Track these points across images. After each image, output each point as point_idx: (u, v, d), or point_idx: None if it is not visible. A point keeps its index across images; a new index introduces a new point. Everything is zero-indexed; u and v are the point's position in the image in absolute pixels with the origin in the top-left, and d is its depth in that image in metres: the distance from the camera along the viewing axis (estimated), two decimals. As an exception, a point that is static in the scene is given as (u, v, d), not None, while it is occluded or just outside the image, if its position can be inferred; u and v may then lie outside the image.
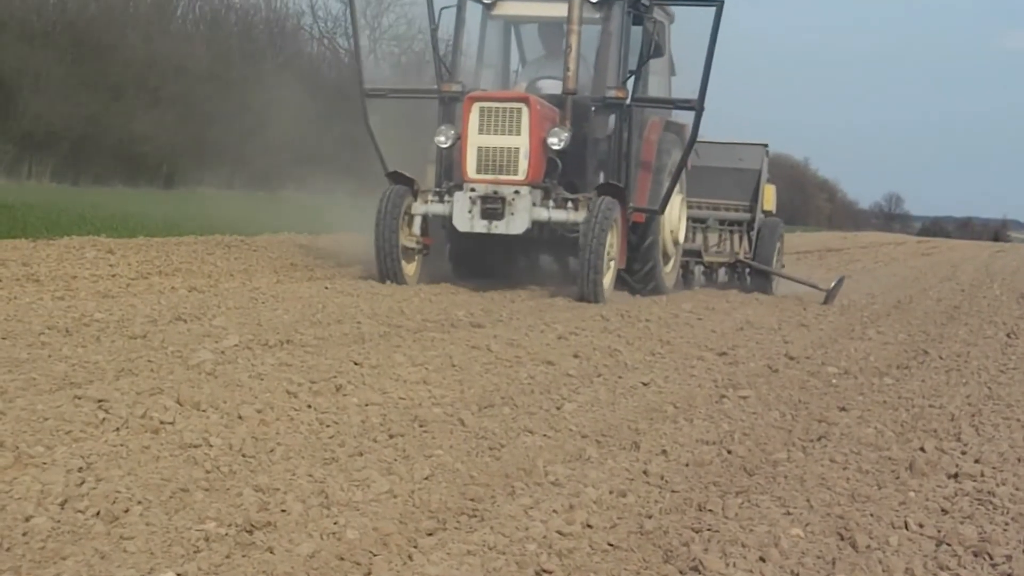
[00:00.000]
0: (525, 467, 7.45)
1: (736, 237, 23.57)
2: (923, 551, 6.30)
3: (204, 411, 7.86)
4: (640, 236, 19.50)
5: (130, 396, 7.95)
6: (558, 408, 9.31)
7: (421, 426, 8.24)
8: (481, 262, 20.02)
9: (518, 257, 20.68)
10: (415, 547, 5.81)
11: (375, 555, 5.63)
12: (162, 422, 7.41)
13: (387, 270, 18.01)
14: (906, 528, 6.63)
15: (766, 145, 23.52)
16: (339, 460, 7.19)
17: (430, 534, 6.05)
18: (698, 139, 21.03)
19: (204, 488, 6.34)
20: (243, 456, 7.00)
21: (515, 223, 17.81)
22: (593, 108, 19.34)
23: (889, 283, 28.51)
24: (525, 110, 17.97)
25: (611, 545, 6.10)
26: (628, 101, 19.23)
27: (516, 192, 17.83)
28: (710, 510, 6.77)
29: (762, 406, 10.13)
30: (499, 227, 17.81)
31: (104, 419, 7.30)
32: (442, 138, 18.63)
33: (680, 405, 9.90)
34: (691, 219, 22.40)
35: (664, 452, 8.18)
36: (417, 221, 18.50)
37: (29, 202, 25.65)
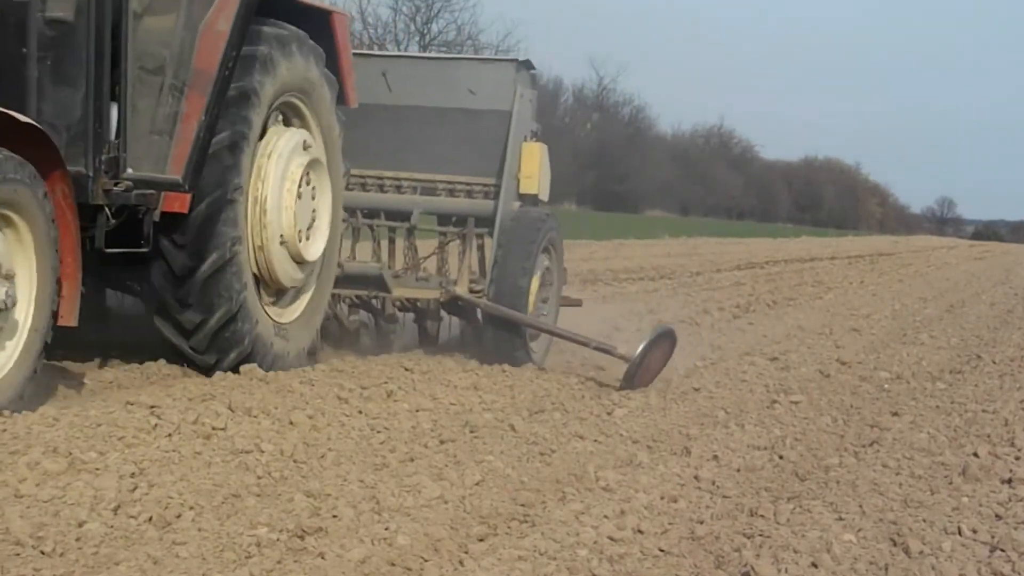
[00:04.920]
0: (576, 472, 7.44)
1: (467, 247, 12.20)
2: (977, 557, 6.25)
3: (256, 417, 7.89)
4: (191, 245, 9.38)
5: (182, 402, 7.98)
6: (609, 413, 9.31)
7: (472, 432, 8.24)
8: None
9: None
10: (466, 552, 5.81)
11: (426, 560, 5.63)
12: (214, 428, 7.44)
13: None
14: (959, 534, 6.59)
15: (526, 63, 12.59)
16: (390, 466, 7.20)
17: (481, 539, 6.06)
18: (392, 52, 11.83)
19: (256, 494, 6.36)
20: (294, 462, 7.01)
21: None
22: None
23: (942, 287, 28.37)
24: None
25: (662, 551, 6.09)
26: None
27: None
28: (762, 516, 6.74)
29: (814, 411, 10.09)
30: None
31: (156, 425, 7.33)
32: None
33: (731, 410, 9.87)
34: (368, 214, 12.48)
35: (715, 457, 8.16)
36: None
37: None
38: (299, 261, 10.19)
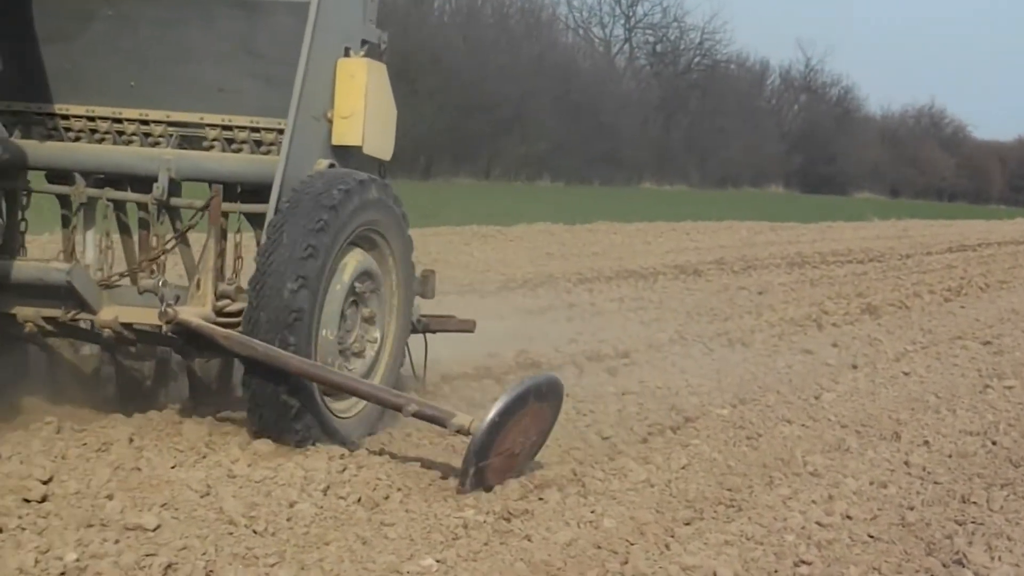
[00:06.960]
0: (783, 457, 7.37)
1: (210, 235, 7.13)
2: None
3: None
4: None
5: (390, 385, 8.07)
6: (816, 398, 9.21)
7: (677, 415, 8.21)
8: None
9: None
10: (672, 536, 5.79)
11: (632, 544, 5.62)
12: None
13: None
14: None
15: None
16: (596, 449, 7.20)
17: (687, 524, 6.03)
18: None
19: (463, 476, 6.40)
20: (501, 444, 7.04)
21: None
22: None
23: None
24: None
25: (871, 537, 6.00)
26: None
27: None
28: (974, 502, 6.62)
29: (1029, 396, 9.88)
30: None
31: (366, 407, 7.41)
32: None
33: (942, 395, 9.71)
34: (100, 180, 7.47)
35: (926, 443, 8.03)
36: None
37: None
38: None
